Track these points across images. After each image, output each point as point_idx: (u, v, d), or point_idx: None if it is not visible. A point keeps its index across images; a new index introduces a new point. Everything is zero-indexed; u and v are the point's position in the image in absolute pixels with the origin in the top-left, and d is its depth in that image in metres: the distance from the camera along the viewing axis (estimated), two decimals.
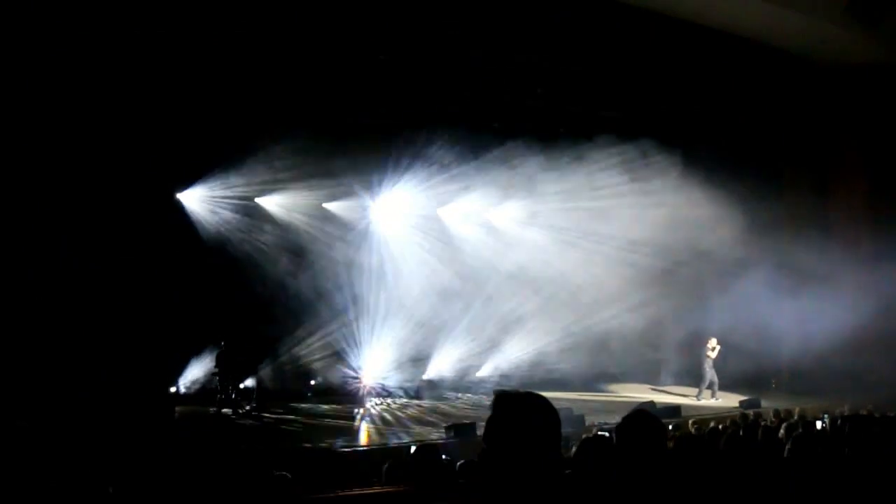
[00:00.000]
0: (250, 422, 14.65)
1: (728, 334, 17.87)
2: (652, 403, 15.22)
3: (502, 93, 17.03)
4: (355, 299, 17.57)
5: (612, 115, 17.91)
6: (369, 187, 17.45)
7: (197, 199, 16.09)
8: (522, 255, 18.79)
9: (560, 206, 18.60)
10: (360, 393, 17.61)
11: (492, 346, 19.37)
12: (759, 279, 18.07)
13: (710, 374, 18.16)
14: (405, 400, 17.82)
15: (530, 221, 19.52)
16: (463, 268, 18.72)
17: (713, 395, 18.06)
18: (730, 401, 17.19)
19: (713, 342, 18.11)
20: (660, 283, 18.90)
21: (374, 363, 18.05)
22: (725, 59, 17.21)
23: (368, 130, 16.37)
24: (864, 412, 10.55)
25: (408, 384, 18.40)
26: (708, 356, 18.13)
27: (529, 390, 2.50)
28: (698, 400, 17.72)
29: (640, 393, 18.78)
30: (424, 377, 18.99)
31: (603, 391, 19.31)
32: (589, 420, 13.53)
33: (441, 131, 16.59)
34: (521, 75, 16.73)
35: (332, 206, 17.86)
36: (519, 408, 2.44)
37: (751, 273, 18.18)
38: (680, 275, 18.86)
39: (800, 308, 17.36)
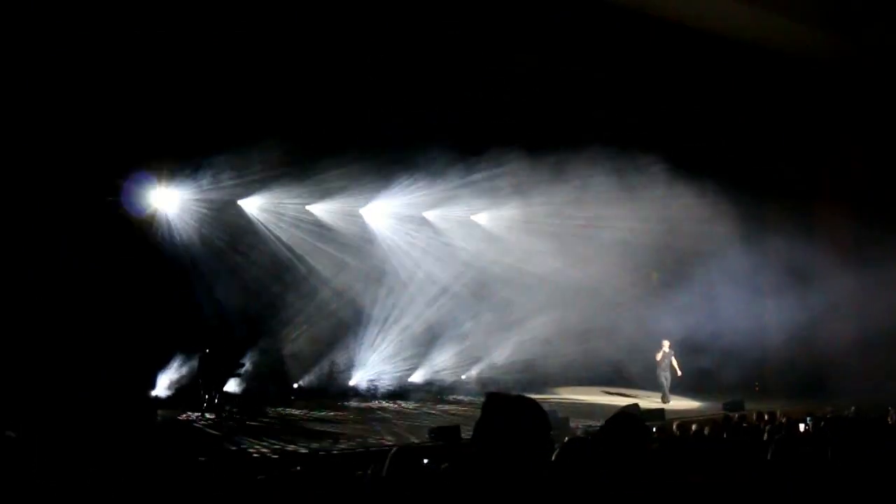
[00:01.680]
0: (233, 425, 14.55)
1: (711, 336, 17.91)
2: (636, 406, 15.25)
3: (492, 96, 17.00)
4: (341, 302, 17.60)
5: (600, 118, 17.93)
6: (358, 190, 17.42)
7: (180, 201, 15.97)
8: (504, 259, 18.86)
9: (542, 210, 18.66)
10: (345, 395, 17.65)
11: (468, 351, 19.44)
12: (743, 281, 18.16)
13: (662, 376, 18.04)
14: (389, 402, 17.81)
15: (514, 225, 19.57)
16: (443, 272, 18.77)
17: (667, 397, 17.92)
18: (713, 404, 17.26)
19: (665, 345, 18.01)
20: (637, 284, 18.88)
21: (360, 365, 18.08)
22: (713, 61, 17.27)
23: (356, 134, 16.30)
24: (848, 414, 10.61)
25: (392, 386, 18.43)
26: (658, 359, 18.00)
27: (520, 393, 2.54)
28: (663, 402, 17.59)
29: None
30: (410, 379, 19.01)
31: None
32: (573, 422, 13.55)
33: (430, 135, 16.55)
34: (513, 79, 16.71)
35: (318, 209, 17.80)
36: (509, 410, 2.45)
37: (735, 275, 18.24)
38: (666, 277, 18.91)
39: (784, 310, 17.45)
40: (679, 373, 18.13)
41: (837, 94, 18.69)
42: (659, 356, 17.97)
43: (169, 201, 15.65)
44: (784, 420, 10.85)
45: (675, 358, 18.02)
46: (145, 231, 14.45)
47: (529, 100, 17.26)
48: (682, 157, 18.05)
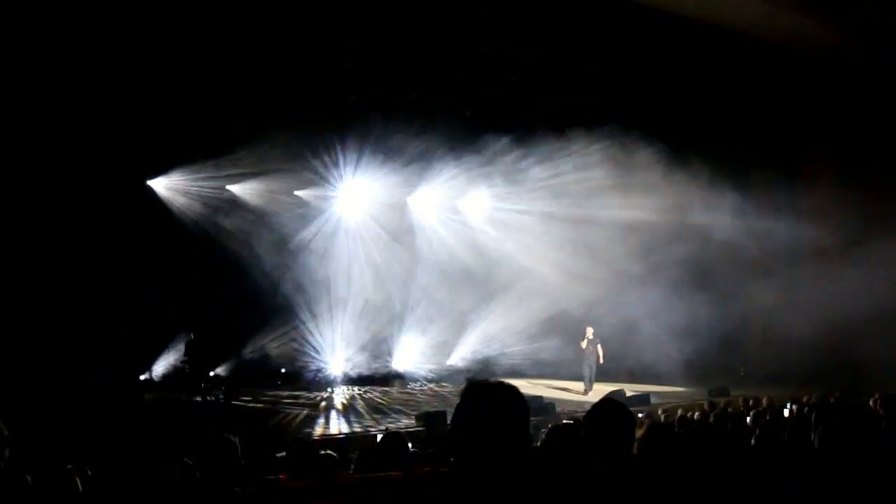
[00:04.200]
0: (219, 409, 14.54)
1: (695, 322, 17.84)
2: (622, 392, 15.32)
3: (474, 81, 16.92)
4: (325, 289, 17.58)
5: (588, 105, 17.88)
6: (337, 175, 17.36)
7: (165, 188, 15.88)
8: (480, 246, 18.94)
9: (527, 195, 18.66)
10: (330, 380, 17.65)
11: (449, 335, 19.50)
12: (724, 266, 18.18)
13: (586, 365, 17.18)
14: (373, 388, 17.84)
15: (496, 212, 19.59)
16: (429, 256, 18.79)
17: (588, 389, 17.06)
18: (698, 389, 17.30)
19: (589, 332, 17.16)
20: (609, 269, 18.72)
21: (343, 351, 18.09)
22: (699, 49, 17.21)
23: (337, 117, 16.22)
24: (832, 400, 10.67)
25: (376, 372, 18.47)
26: (582, 347, 17.17)
27: (500, 380, 2.50)
28: (586, 394, 16.81)
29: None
30: (394, 365, 19.04)
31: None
32: (559, 407, 13.62)
33: (411, 119, 16.47)
34: (494, 63, 16.62)
35: (302, 194, 17.74)
36: (488, 397, 2.43)
37: (716, 260, 18.25)
38: (652, 264, 18.82)
39: (766, 296, 17.47)
40: (601, 360, 17.22)
41: (821, 80, 18.65)
42: (584, 344, 17.09)
43: (161, 187, 15.66)
44: (769, 406, 10.91)
45: (601, 346, 17.16)
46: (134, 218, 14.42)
47: (503, 86, 17.18)
48: (674, 142, 17.99)
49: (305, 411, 14.40)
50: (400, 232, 18.83)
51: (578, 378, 17.50)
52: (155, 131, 14.18)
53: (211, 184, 16.26)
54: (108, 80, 12.94)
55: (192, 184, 16.03)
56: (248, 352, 16.91)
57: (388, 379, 18.57)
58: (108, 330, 13.22)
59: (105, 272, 13.22)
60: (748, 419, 8.14)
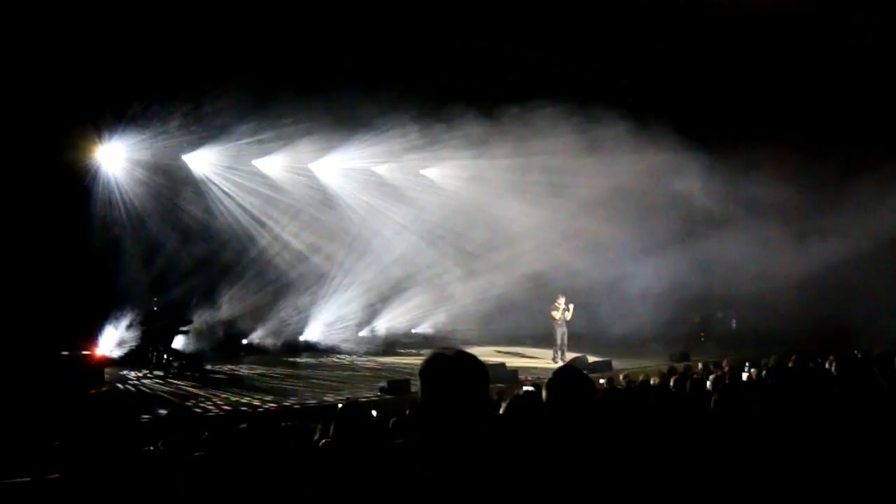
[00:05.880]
0: (181, 382, 14.40)
1: (661, 287, 17.98)
2: (584, 358, 15.47)
3: (442, 49, 16.69)
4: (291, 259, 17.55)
5: (553, 74, 17.75)
6: (309, 145, 17.18)
7: (116, 158, 15.51)
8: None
9: (498, 164, 18.63)
10: (295, 350, 17.66)
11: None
12: (692, 231, 18.29)
13: (559, 333, 17.11)
14: (339, 357, 17.85)
15: (467, 181, 19.57)
16: (392, 227, 18.79)
17: (558, 357, 16.99)
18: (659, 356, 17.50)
19: (560, 300, 17.11)
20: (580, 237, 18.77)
21: (308, 321, 18.10)
22: (659, 14, 17.12)
23: (302, 87, 15.96)
24: (789, 363, 10.85)
25: (343, 342, 18.48)
26: (553, 315, 17.14)
27: (460, 348, 2.57)
28: (555, 362, 16.60)
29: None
30: (361, 334, 19.08)
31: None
32: (522, 375, 13.71)
33: (379, 88, 16.25)
34: (464, 31, 16.40)
35: (262, 163, 17.53)
36: (447, 366, 2.48)
37: (685, 224, 18.35)
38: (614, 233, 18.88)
39: (732, 260, 17.60)
40: (567, 318, 17.12)
41: (787, 37, 18.60)
42: (557, 313, 17.07)
43: (112, 156, 15.22)
44: (729, 370, 11.07)
45: (570, 311, 17.04)
46: (87, 186, 14.09)
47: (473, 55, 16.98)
48: (643, 110, 17.91)
49: (268, 381, 14.37)
50: (369, 200, 18.80)
51: (549, 346, 17.62)
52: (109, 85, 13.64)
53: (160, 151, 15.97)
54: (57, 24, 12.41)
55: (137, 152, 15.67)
56: (210, 323, 16.82)
57: (358, 348, 18.62)
58: (58, 304, 12.91)
59: (48, 244, 12.87)
60: (708, 383, 8.25)
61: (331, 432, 5.74)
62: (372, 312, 19.43)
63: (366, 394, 12.94)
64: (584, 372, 3.60)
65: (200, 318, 16.53)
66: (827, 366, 7.92)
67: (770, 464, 3.19)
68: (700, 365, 13.13)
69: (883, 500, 3.01)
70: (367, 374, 15.60)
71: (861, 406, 3.83)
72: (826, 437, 3.23)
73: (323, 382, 14.38)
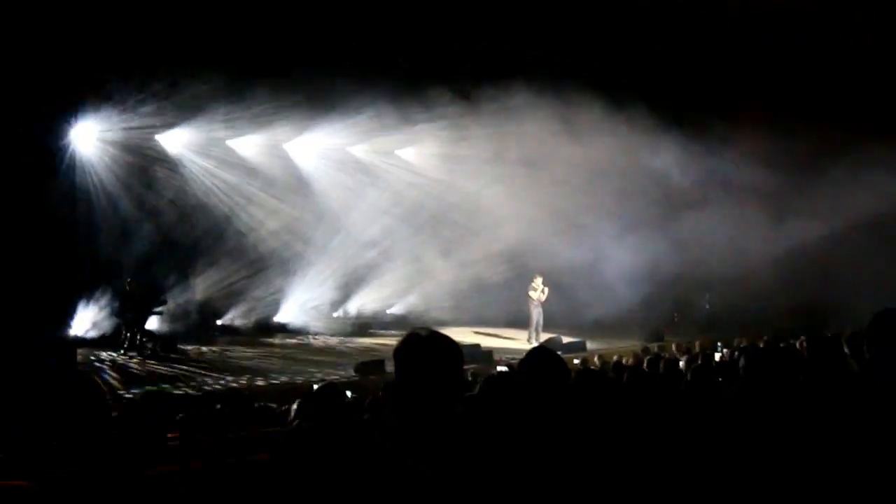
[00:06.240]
0: (156, 363, 14.32)
1: (636, 268, 18.00)
2: (558, 339, 15.54)
3: (417, 29, 16.56)
4: (257, 239, 17.49)
5: (528, 54, 17.66)
6: (284, 125, 17.04)
7: (89, 138, 15.26)
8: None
9: (472, 146, 18.58)
10: (269, 331, 17.63)
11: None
12: (668, 211, 18.32)
13: (535, 314, 17.21)
14: (315, 337, 17.84)
15: (441, 162, 19.54)
16: (368, 209, 18.75)
17: (532, 338, 16.94)
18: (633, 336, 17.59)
19: (538, 281, 17.24)
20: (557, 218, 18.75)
21: (281, 302, 18.08)
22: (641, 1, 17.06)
23: (276, 66, 15.78)
24: (760, 344, 10.98)
25: (315, 323, 18.48)
26: (530, 296, 17.24)
27: (434, 329, 2.58)
28: (530, 343, 16.41)
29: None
30: (335, 314, 19.08)
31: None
32: (497, 356, 13.76)
33: (353, 69, 16.10)
34: (438, 13, 16.27)
35: (236, 143, 17.36)
36: (421, 346, 2.51)
37: (661, 204, 18.37)
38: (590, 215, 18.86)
39: (707, 239, 17.65)
40: (543, 299, 17.26)
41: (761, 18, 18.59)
42: (535, 294, 17.19)
43: (84, 135, 14.99)
44: (701, 350, 11.19)
45: (546, 291, 17.24)
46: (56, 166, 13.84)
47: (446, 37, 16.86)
48: (618, 91, 17.85)
49: (243, 362, 14.35)
50: (346, 181, 18.75)
51: (525, 327, 17.66)
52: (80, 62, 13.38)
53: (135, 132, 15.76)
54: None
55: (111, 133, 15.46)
56: (186, 303, 16.75)
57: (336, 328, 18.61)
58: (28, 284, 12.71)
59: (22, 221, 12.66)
60: (681, 364, 8.33)
61: (305, 414, 5.77)
62: (346, 293, 19.41)
63: (339, 374, 12.95)
64: (558, 353, 3.63)
65: (174, 299, 16.42)
66: (798, 346, 8.01)
67: (740, 443, 3.23)
68: (674, 346, 13.24)
69: (850, 478, 3.06)
70: (340, 355, 15.57)
71: (829, 386, 3.88)
72: (795, 417, 3.27)
73: (296, 364, 14.35)
